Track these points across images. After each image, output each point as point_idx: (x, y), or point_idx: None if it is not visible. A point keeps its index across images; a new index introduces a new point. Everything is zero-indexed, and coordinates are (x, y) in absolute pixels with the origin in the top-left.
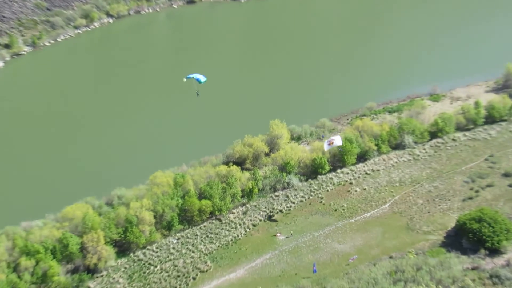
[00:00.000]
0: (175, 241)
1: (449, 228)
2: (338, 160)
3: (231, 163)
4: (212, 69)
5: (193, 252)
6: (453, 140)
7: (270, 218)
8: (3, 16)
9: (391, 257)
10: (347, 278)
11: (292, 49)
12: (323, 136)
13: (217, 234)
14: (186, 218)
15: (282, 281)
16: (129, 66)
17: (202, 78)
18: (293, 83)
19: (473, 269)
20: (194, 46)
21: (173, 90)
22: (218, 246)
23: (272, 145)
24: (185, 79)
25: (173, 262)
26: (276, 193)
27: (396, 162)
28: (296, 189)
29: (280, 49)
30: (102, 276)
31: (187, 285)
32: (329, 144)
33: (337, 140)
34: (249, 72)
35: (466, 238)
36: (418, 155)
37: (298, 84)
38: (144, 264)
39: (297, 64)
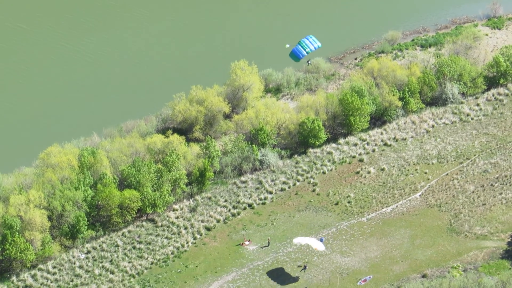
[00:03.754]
0: (83, 256)
1: None
2: (340, 124)
3: (170, 131)
4: None
5: (112, 273)
6: None
7: (234, 216)
8: None
9: (424, 276)
10: None
11: None
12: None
13: (149, 243)
14: (100, 219)
15: None
16: None
17: (318, 41)
18: (266, 2)
19: None
20: None
21: (77, 17)
22: (152, 263)
23: (236, 102)
24: (287, 46)
25: None
26: (243, 178)
27: (433, 126)
28: (274, 171)
29: None
30: None
31: None
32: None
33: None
34: None
35: None
36: (468, 115)
37: (275, 4)
38: None
39: None
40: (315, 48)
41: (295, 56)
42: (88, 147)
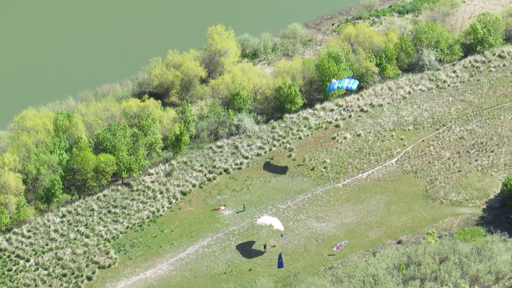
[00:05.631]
0: (58, 219)
1: (492, 197)
2: (316, 89)
3: (146, 95)
4: None
5: (88, 237)
6: (500, 57)
7: (210, 180)
8: None
9: (399, 242)
10: (330, 275)
11: None
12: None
13: (125, 208)
14: (76, 183)
15: (229, 280)
16: None
17: (354, 84)
18: None
19: None
20: None
21: None
22: (128, 227)
23: (212, 66)
24: (337, 82)
25: (56, 254)
26: (219, 143)
27: (410, 93)
28: (250, 136)
29: None
30: None
31: None
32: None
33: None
34: None
35: None
36: (445, 82)
37: None
38: (8, 256)
39: None
40: (347, 87)
41: (328, 88)
42: (63, 110)
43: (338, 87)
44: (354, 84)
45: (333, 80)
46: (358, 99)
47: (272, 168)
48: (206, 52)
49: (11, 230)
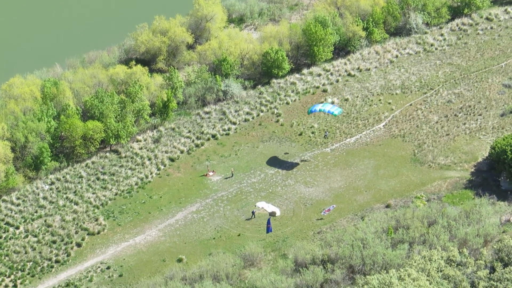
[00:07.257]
0: (46, 187)
1: (480, 160)
2: (303, 54)
3: (133, 62)
4: None
5: (77, 204)
6: (488, 19)
7: (197, 146)
8: None
9: (388, 206)
10: (319, 239)
11: None
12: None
13: (113, 174)
14: (64, 150)
15: (217, 245)
16: None
17: (337, 110)
18: None
19: None
20: None
21: None
22: (116, 194)
23: (199, 32)
24: (321, 105)
25: (45, 221)
26: (207, 108)
27: (397, 57)
28: (238, 102)
29: None
30: None
31: (68, 255)
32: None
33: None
34: None
35: (507, 175)
36: (432, 45)
37: None
38: None
39: None
40: (328, 111)
41: (309, 109)
42: (50, 78)
43: (320, 110)
44: (336, 110)
45: (317, 103)
46: (345, 64)
47: (278, 163)
48: (193, 17)
49: (0, 197)
